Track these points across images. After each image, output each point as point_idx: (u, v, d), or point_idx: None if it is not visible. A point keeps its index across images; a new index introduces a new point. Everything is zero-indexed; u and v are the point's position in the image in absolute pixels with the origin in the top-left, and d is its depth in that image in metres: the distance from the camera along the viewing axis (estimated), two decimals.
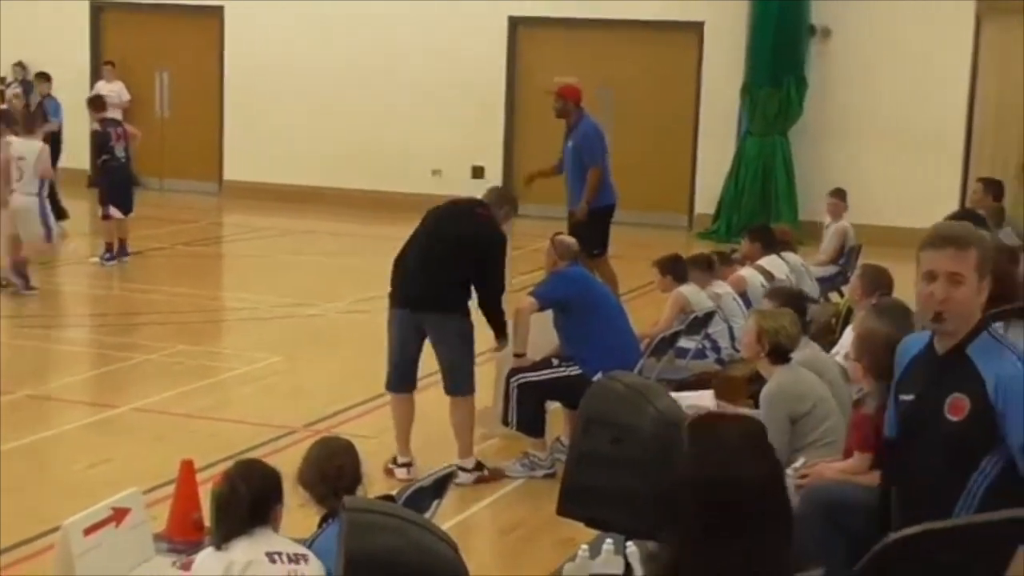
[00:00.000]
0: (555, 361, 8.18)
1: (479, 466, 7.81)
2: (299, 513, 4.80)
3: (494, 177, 18.58)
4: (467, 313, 7.83)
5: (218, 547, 4.29)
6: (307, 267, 14.77)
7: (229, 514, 4.31)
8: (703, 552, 2.61)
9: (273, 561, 4.24)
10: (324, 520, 4.61)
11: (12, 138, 13.04)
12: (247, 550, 4.26)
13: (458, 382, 7.82)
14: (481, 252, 7.79)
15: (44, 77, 18.99)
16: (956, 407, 4.01)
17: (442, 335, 7.74)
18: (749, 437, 2.89)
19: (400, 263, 7.93)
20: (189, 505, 5.36)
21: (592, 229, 11.38)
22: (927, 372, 4.16)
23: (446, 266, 7.70)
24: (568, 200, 11.83)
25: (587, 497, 5.11)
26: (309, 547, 4.43)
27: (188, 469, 5.61)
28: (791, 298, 7.71)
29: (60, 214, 14.06)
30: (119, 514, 4.77)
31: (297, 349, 10.94)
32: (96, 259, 14.37)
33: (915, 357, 4.26)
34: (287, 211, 18.03)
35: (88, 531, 4.64)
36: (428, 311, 7.73)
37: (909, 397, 4.21)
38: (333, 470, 4.68)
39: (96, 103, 15.23)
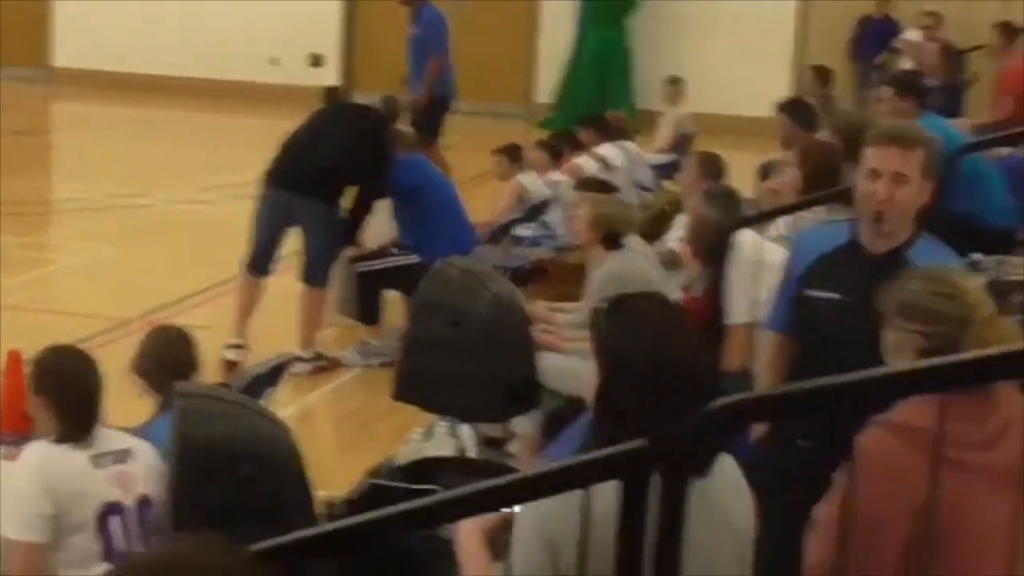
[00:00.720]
0: (393, 250, 8.20)
1: (318, 356, 7.82)
2: (138, 403, 4.75)
3: (333, 66, 18.36)
4: (339, 206, 7.82)
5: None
6: (142, 157, 14.43)
7: (63, 408, 4.20)
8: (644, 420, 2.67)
9: (97, 466, 4.17)
10: (161, 410, 4.57)
11: None
12: (74, 455, 4.16)
13: (316, 272, 7.85)
14: (368, 150, 7.87)
15: None
16: None
17: (314, 223, 7.75)
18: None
19: (285, 147, 7.92)
20: (17, 398, 5.26)
21: (428, 117, 11.35)
22: (852, 272, 4.01)
23: (329, 157, 7.69)
24: (409, 88, 11.76)
25: (423, 381, 5.18)
26: (142, 436, 4.39)
27: (15, 360, 5.49)
28: (598, 188, 7.78)
29: None
30: None
31: (130, 240, 10.73)
32: None
33: (828, 255, 4.12)
34: (121, 100, 17.56)
35: None
36: (304, 196, 7.69)
37: (828, 295, 4.06)
38: (170, 359, 4.65)
39: None
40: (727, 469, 2.97)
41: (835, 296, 4.03)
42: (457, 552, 3.23)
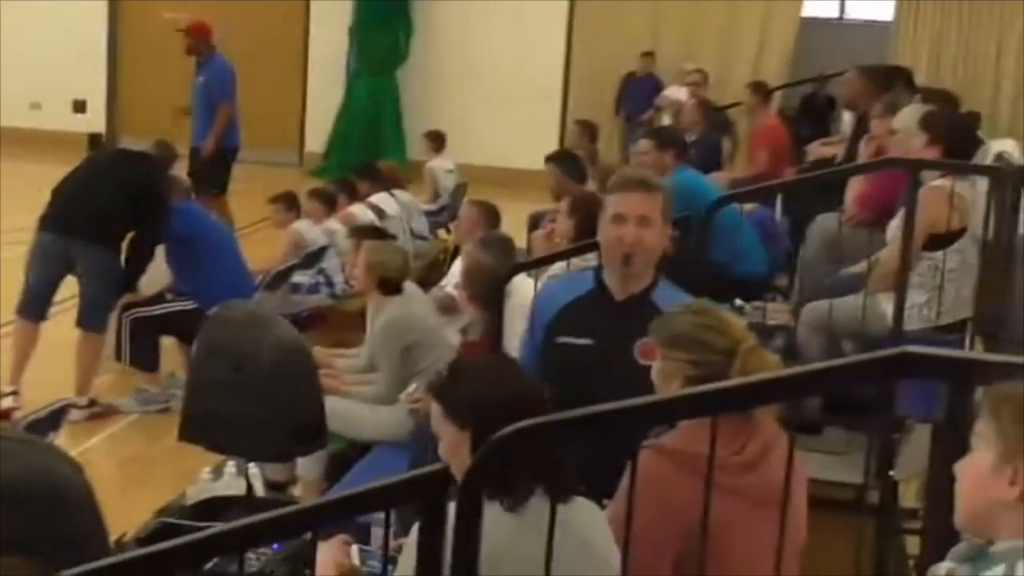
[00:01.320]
0: (168, 296, 8.20)
1: (92, 402, 7.75)
2: None
3: (97, 111, 18.11)
4: (119, 250, 7.80)
5: None
6: None
7: None
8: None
9: None
10: None
11: None
12: None
13: (94, 317, 7.78)
14: (147, 196, 7.85)
15: None
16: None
17: (92, 267, 7.68)
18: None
19: (58, 191, 7.83)
20: None
21: (215, 168, 11.31)
22: (601, 317, 4.14)
23: (107, 203, 7.66)
24: (192, 136, 11.67)
25: (208, 423, 5.23)
26: None
27: None
28: (374, 235, 7.95)
29: None
30: None
31: None
32: None
33: (575, 302, 4.24)
34: None
35: None
36: (80, 240, 7.63)
37: (579, 341, 4.16)
38: None
39: None
40: (585, 505, 3.10)
41: (587, 341, 4.15)
42: None
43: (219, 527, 2.88)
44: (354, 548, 3.60)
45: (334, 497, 3.04)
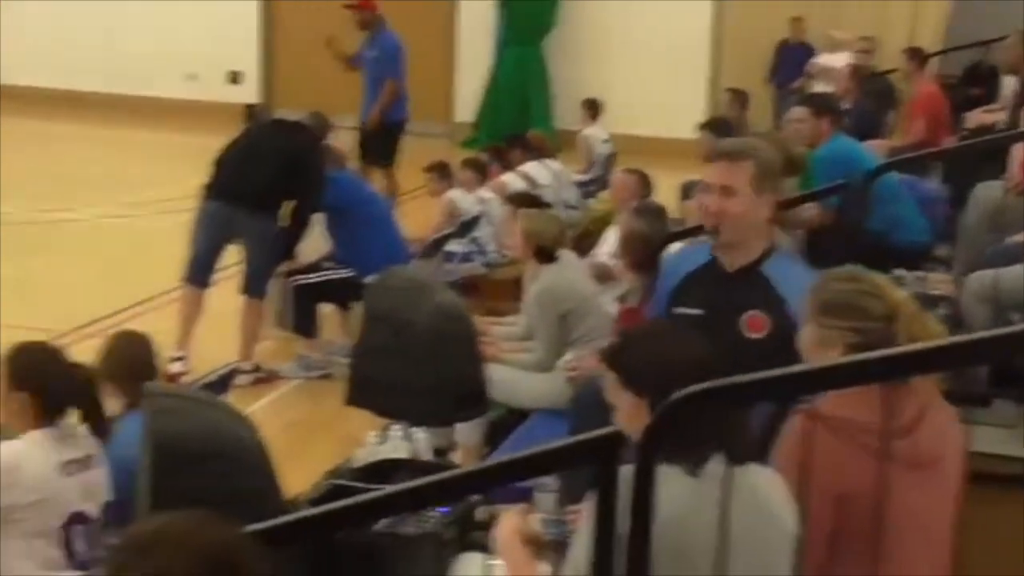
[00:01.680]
0: (327, 264, 8.37)
1: (257, 368, 7.95)
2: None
3: (252, 83, 18.44)
4: (277, 218, 7.96)
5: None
6: (62, 172, 14.39)
7: (45, 407, 4.25)
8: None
9: (65, 474, 4.20)
10: (128, 410, 4.68)
11: None
12: (42, 457, 4.20)
13: (256, 284, 7.99)
14: (304, 166, 8.00)
15: None
16: (754, 324, 4.02)
17: (254, 235, 7.87)
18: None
19: (221, 161, 8.04)
20: None
21: (383, 141, 11.36)
22: (713, 288, 4.18)
23: (267, 171, 7.83)
24: (362, 110, 11.73)
25: (373, 388, 5.36)
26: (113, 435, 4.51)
27: None
28: (529, 203, 8.00)
29: None
30: None
31: (60, 254, 10.77)
32: None
33: (692, 273, 4.27)
34: (37, 115, 17.47)
35: None
36: (243, 209, 7.82)
37: (692, 311, 4.19)
38: (135, 362, 4.78)
39: None
40: (761, 470, 3.09)
41: (698, 312, 4.17)
42: (499, 554, 3.35)
43: (391, 489, 2.96)
44: (536, 515, 3.66)
45: (505, 459, 3.10)
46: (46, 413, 4.24)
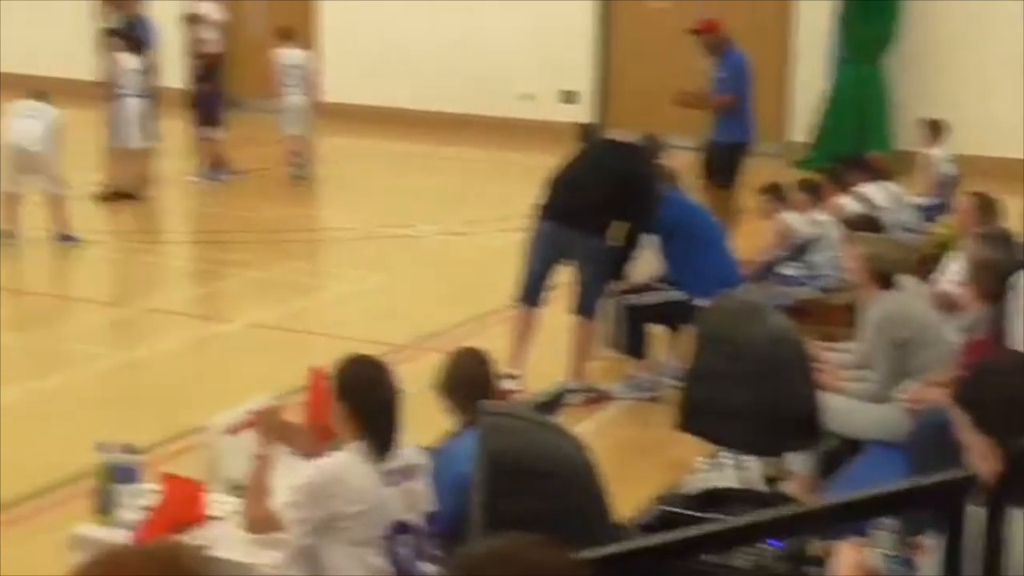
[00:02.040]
0: (659, 285, 8.34)
1: (588, 387, 7.99)
2: (441, 420, 4.96)
3: (586, 103, 18.62)
4: (609, 238, 8.03)
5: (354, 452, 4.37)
6: (404, 189, 14.90)
7: (363, 414, 4.36)
8: None
9: (389, 483, 4.28)
10: (465, 427, 4.75)
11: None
12: (364, 468, 4.28)
13: (587, 304, 8.04)
14: (638, 187, 8.02)
15: None
16: None
17: (586, 255, 7.95)
18: None
19: (556, 181, 8.14)
20: (319, 412, 5.55)
21: (725, 162, 11.13)
22: None
23: (602, 191, 7.90)
24: (711, 130, 11.38)
25: (705, 413, 5.28)
26: (447, 451, 4.60)
27: (318, 376, 5.78)
28: (869, 226, 7.74)
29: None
30: (255, 418, 4.97)
31: (400, 268, 11.15)
32: (194, 177, 14.64)
33: None
34: (382, 133, 18.18)
35: (230, 431, 4.88)
36: (577, 229, 7.91)
37: None
38: (473, 379, 4.85)
39: (193, 21, 15.57)
40: None
41: None
42: None
43: (728, 522, 2.88)
44: (874, 551, 3.53)
45: (848, 499, 2.97)
46: (367, 425, 4.34)
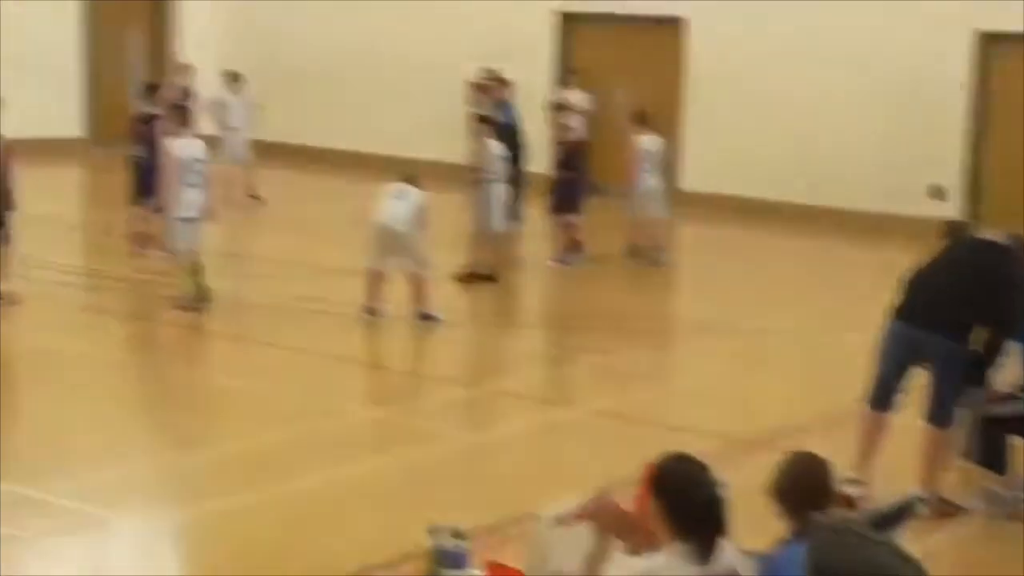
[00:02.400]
0: (1022, 394, 7.84)
1: (940, 499, 7.56)
2: (772, 523, 4.77)
3: (955, 199, 17.92)
4: (967, 344, 7.64)
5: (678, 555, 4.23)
6: (755, 280, 14.68)
7: (679, 514, 4.24)
8: None
9: None
10: (795, 535, 4.55)
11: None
12: (679, 572, 4.14)
13: (941, 412, 7.62)
14: (1004, 289, 7.59)
15: (502, 82, 17.94)
16: None
17: (943, 360, 7.57)
18: None
19: (914, 279, 7.82)
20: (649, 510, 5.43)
21: None
22: None
23: (963, 293, 7.55)
24: None
25: None
26: (775, 559, 4.41)
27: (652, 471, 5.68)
28: None
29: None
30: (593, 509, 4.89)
31: (746, 362, 10.94)
32: (552, 262, 14.85)
33: None
34: (738, 223, 18.04)
35: (560, 521, 4.83)
36: (935, 332, 7.59)
37: None
38: (810, 487, 4.65)
39: (559, 108, 15.98)
40: None
41: None
42: None
43: None
44: None
45: None
46: (686, 527, 4.20)
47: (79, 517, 6.91)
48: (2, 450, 7.81)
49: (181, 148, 11.85)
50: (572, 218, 14.99)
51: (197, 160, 11.87)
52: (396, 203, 11.66)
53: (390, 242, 11.61)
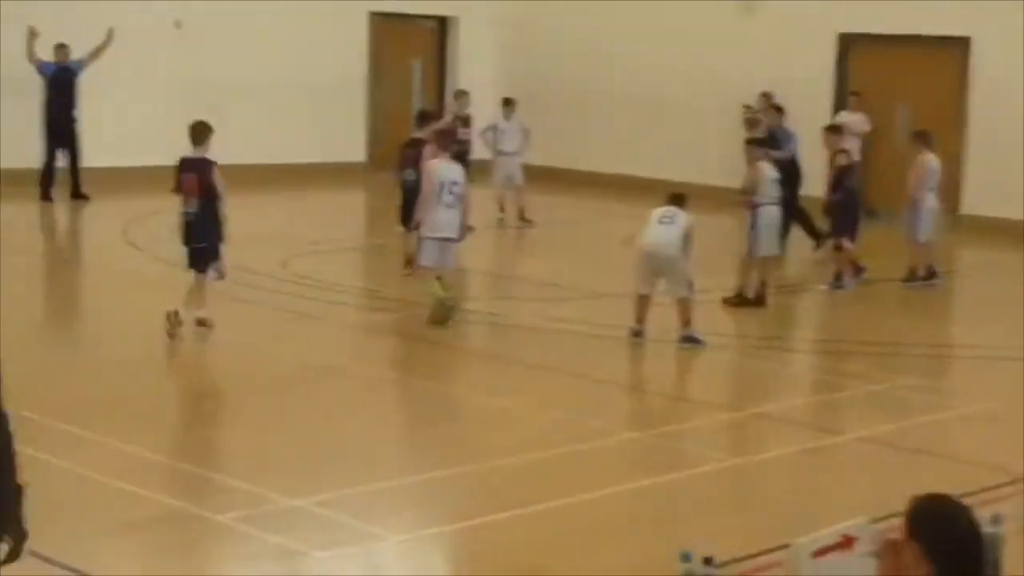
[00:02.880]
0: None
1: None
2: None
3: None
4: None
5: None
6: None
7: (938, 559, 4.02)
8: None
9: None
10: None
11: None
12: None
13: None
14: None
15: (777, 109, 18.13)
16: None
17: None
18: None
19: None
20: None
21: None
22: None
23: None
24: None
25: None
26: None
27: None
28: None
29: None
30: (847, 541, 4.69)
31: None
32: (824, 286, 14.53)
33: None
34: (1021, 247, 17.23)
35: (817, 554, 4.65)
36: None
37: None
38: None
39: (835, 131, 15.67)
40: None
41: None
42: None
43: None
44: None
45: None
46: (942, 572, 3.95)
47: (351, 531, 7.06)
48: (275, 464, 8.07)
49: (439, 170, 12.15)
50: (846, 242, 14.63)
51: (454, 183, 12.16)
52: (664, 226, 11.59)
53: (657, 265, 11.54)
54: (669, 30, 21.67)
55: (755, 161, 14.01)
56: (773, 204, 13.70)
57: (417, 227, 12.49)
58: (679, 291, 11.55)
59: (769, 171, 13.83)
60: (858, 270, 14.62)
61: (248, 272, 13.05)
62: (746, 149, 14.72)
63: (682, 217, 11.65)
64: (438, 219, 12.07)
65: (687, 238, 11.57)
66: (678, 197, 11.99)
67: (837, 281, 14.49)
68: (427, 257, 12.18)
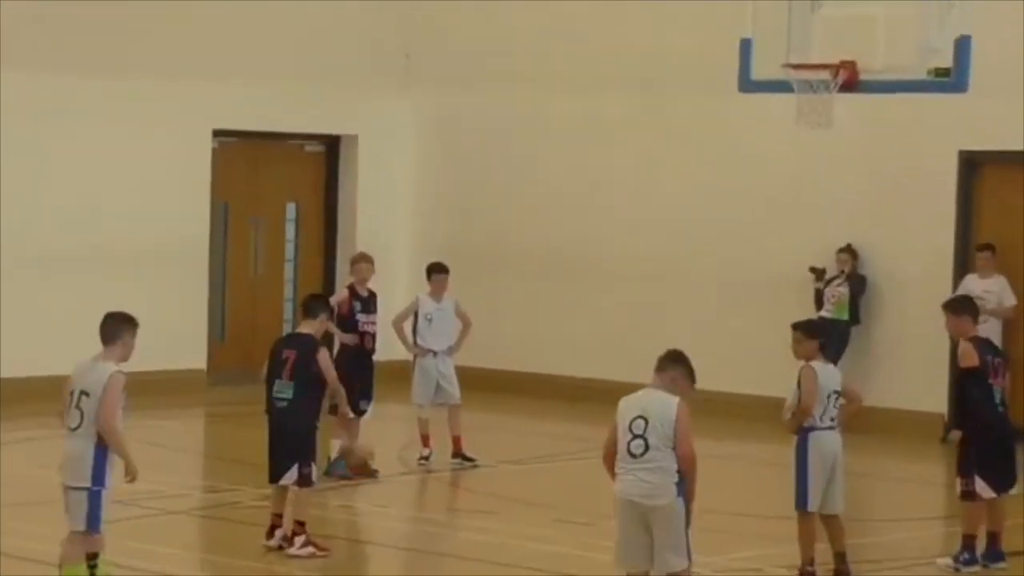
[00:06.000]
0: None
1: None
2: None
3: None
4: None
5: None
6: None
7: None
8: None
9: None
10: None
11: None
12: None
13: None
14: None
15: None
16: None
17: None
18: None
19: None
20: None
21: None
22: None
23: None
24: None
25: None
26: None
27: None
28: None
29: None
30: None
31: None
32: (947, 560, 10.04)
33: None
34: None
35: None
36: None
37: None
38: None
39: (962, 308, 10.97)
40: None
41: None
42: None
43: None
44: None
45: None
46: None
47: None
48: None
49: None
50: (981, 485, 9.89)
51: None
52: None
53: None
54: None
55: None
56: (831, 429, 9.46)
57: None
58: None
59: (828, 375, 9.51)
60: (992, 540, 9.92)
61: None
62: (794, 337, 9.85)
63: None
64: None
65: None
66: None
67: (967, 553, 9.76)
68: None
